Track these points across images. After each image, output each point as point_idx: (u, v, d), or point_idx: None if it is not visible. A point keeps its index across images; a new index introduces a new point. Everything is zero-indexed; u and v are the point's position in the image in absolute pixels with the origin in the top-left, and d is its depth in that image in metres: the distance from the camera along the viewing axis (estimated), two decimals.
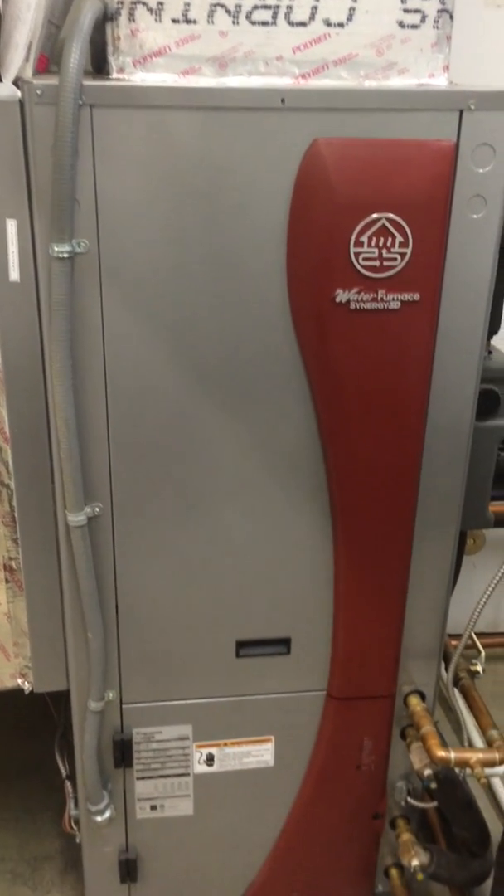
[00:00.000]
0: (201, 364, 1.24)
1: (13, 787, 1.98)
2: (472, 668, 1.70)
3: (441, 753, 1.40)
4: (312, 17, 1.13)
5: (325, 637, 1.45)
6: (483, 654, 1.73)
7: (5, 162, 1.13)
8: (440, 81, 1.19)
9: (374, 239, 1.16)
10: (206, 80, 1.14)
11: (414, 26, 1.15)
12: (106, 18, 1.10)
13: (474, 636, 1.81)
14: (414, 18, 1.15)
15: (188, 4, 1.10)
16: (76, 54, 1.05)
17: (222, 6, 1.11)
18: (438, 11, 1.15)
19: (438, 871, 1.55)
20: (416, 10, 1.14)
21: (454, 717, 1.62)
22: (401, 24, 1.15)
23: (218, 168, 1.14)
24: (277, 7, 1.12)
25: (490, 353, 1.42)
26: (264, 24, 1.12)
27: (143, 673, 1.43)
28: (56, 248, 1.12)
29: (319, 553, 1.38)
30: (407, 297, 1.20)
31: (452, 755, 1.40)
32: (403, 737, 1.54)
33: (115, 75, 1.13)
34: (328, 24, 1.13)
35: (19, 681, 1.47)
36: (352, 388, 1.26)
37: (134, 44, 1.12)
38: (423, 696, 1.52)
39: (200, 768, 1.51)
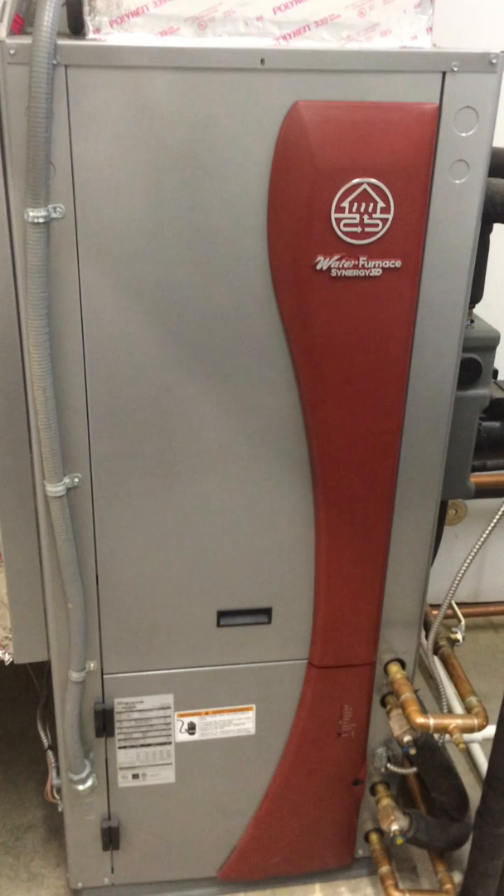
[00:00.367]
0: (181, 332, 1.23)
1: None
2: (452, 636, 1.71)
3: (420, 720, 1.41)
4: None
5: (307, 606, 1.45)
6: (463, 622, 1.75)
7: None
8: (423, 43, 1.16)
9: (355, 204, 1.15)
10: (185, 40, 1.11)
11: None
12: None
13: (455, 605, 1.82)
14: None
15: None
16: (50, 12, 1.02)
17: None
18: None
19: (417, 836, 1.57)
20: None
21: (435, 685, 1.64)
22: None
23: (196, 131, 1.11)
24: None
25: (472, 321, 1.41)
26: None
27: (123, 643, 1.43)
28: (31, 214, 1.10)
29: (300, 523, 1.38)
30: (388, 263, 1.19)
31: (431, 721, 1.41)
32: (384, 704, 1.55)
33: (91, 35, 1.10)
34: None
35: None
36: (333, 357, 1.25)
37: (111, 3, 1.09)
38: (403, 664, 1.53)
39: (182, 737, 1.52)
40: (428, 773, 1.59)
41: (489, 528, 1.39)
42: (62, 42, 1.05)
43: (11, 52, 1.04)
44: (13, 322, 1.21)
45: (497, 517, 1.42)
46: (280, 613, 1.45)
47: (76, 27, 1.15)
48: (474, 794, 1.61)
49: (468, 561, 1.43)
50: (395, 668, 1.51)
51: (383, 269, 1.20)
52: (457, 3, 1.74)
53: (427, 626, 1.66)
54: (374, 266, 1.19)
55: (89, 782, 1.51)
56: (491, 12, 1.84)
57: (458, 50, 1.13)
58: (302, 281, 1.19)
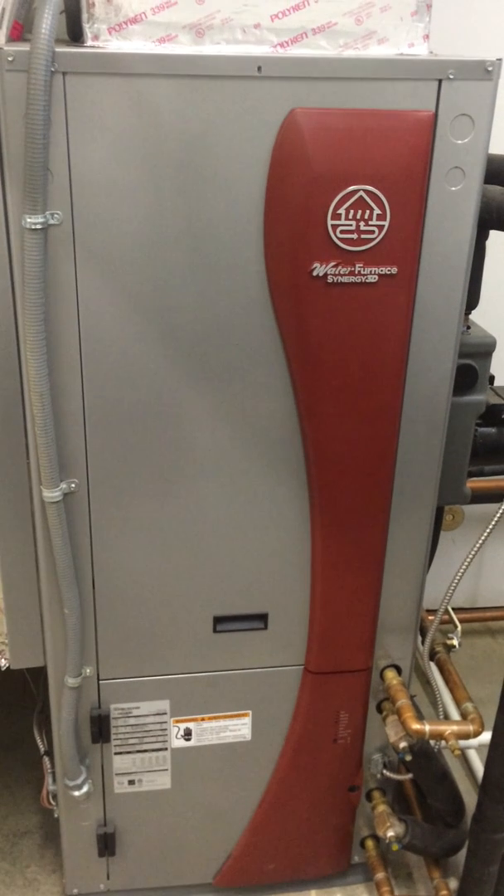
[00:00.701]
0: (177, 337, 1.23)
1: None
2: (449, 642, 1.72)
3: (416, 726, 1.41)
4: None
5: (303, 612, 1.45)
6: (459, 628, 1.75)
7: None
8: (420, 51, 1.17)
9: (351, 211, 1.15)
10: (183, 48, 1.11)
11: None
12: None
13: (451, 611, 1.83)
14: None
15: None
16: (48, 19, 1.03)
17: None
18: None
19: (413, 842, 1.57)
20: None
21: (432, 691, 1.64)
22: None
23: (194, 138, 1.12)
24: None
25: (468, 328, 1.42)
26: None
27: (120, 649, 1.43)
28: (29, 220, 1.10)
29: (296, 528, 1.38)
30: (384, 270, 1.20)
31: (427, 728, 1.41)
32: (379, 710, 1.55)
33: (89, 43, 1.11)
34: None
35: None
36: (329, 363, 1.25)
37: (109, 10, 1.10)
38: (399, 670, 1.53)
39: (178, 743, 1.52)
40: (424, 780, 1.59)
41: (485, 533, 1.39)
42: (60, 49, 1.05)
43: (10, 58, 1.04)
44: (10, 328, 1.21)
45: (493, 522, 1.42)
46: (276, 619, 1.45)
47: (75, 34, 1.16)
48: (470, 800, 1.61)
49: (464, 566, 1.44)
50: (391, 675, 1.51)
51: (379, 275, 1.20)
52: (453, 11, 1.75)
53: (423, 632, 1.66)
54: (371, 273, 1.19)
55: (85, 788, 1.50)
56: (487, 20, 1.85)
57: (455, 58, 1.13)
58: (298, 287, 1.19)
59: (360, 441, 1.32)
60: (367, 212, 1.16)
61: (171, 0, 1.10)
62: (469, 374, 1.40)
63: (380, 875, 1.64)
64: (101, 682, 1.45)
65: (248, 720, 1.53)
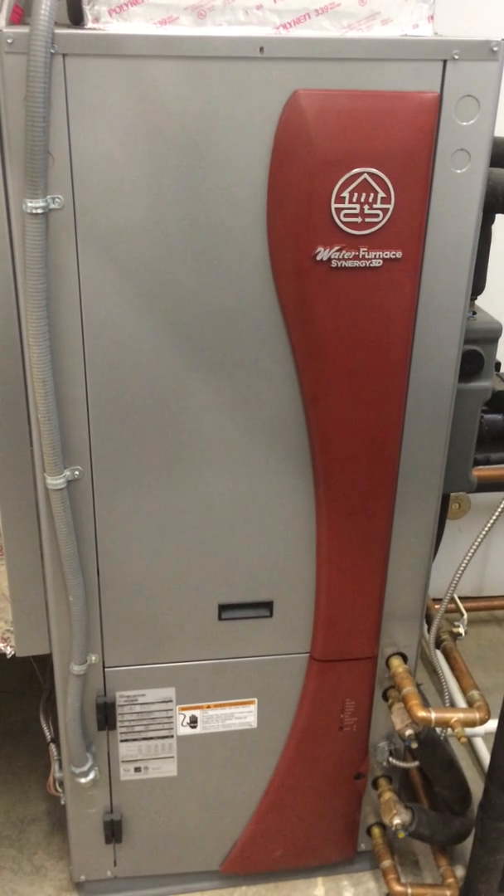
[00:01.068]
0: (181, 323, 1.22)
1: None
2: (455, 629, 1.71)
3: (422, 713, 1.41)
4: None
5: (308, 600, 1.45)
6: (465, 616, 1.74)
7: None
8: (425, 32, 1.16)
9: (355, 194, 1.14)
10: (185, 29, 1.10)
11: None
12: None
13: (457, 599, 1.82)
14: None
15: None
16: (48, 1, 1.01)
17: None
18: None
19: (420, 830, 1.57)
20: None
21: (438, 679, 1.63)
22: None
23: (195, 120, 1.11)
24: None
25: (474, 313, 1.40)
26: None
27: (125, 636, 1.43)
28: (30, 204, 1.09)
29: (301, 516, 1.38)
30: (389, 254, 1.18)
31: (433, 715, 1.41)
32: (385, 698, 1.55)
33: (90, 25, 1.10)
34: None
35: (1, 645, 1.46)
36: (333, 349, 1.24)
37: None
38: (405, 658, 1.53)
39: (184, 730, 1.52)
40: (430, 767, 1.59)
41: (491, 521, 1.39)
42: (60, 31, 1.04)
43: (9, 41, 1.04)
44: (12, 314, 1.21)
45: (499, 510, 1.41)
46: (281, 607, 1.45)
47: (75, 17, 1.14)
48: (476, 788, 1.60)
49: (470, 554, 1.43)
50: (396, 662, 1.51)
51: (384, 259, 1.19)
52: None
53: (429, 620, 1.66)
54: (375, 257, 1.18)
55: (91, 775, 1.51)
56: (493, 0, 1.82)
57: (459, 38, 1.12)
58: (302, 272, 1.18)
59: (365, 428, 1.31)
60: (372, 195, 1.14)
61: None
62: (475, 360, 1.39)
63: (386, 863, 1.64)
64: (106, 669, 1.45)
65: (253, 708, 1.53)
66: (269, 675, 1.50)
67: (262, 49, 1.08)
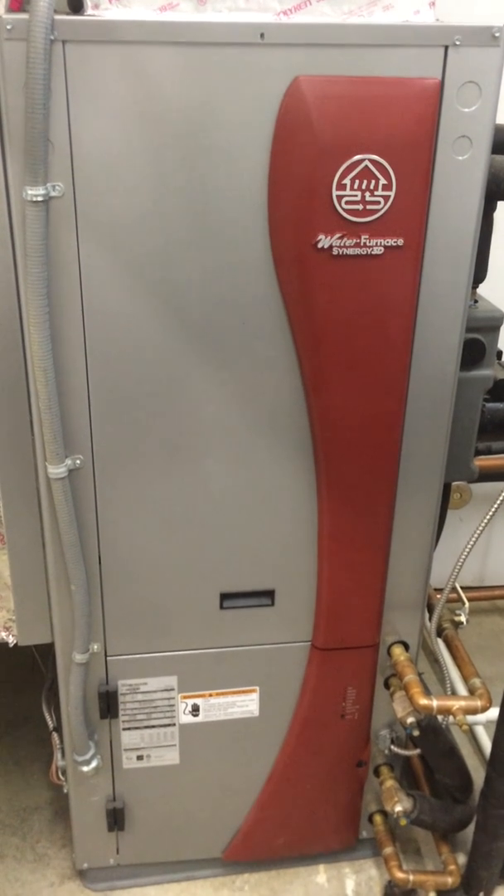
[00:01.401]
0: (181, 311, 1.22)
1: (2, 740, 2.00)
2: (456, 618, 1.71)
3: (423, 701, 1.41)
4: None
5: (310, 588, 1.45)
6: (467, 605, 1.75)
7: None
8: (426, 17, 1.15)
9: (356, 181, 1.13)
10: (185, 15, 1.10)
11: None
12: None
13: (458, 588, 1.82)
14: None
15: None
16: None
17: None
18: None
19: (421, 817, 1.58)
20: None
21: (439, 669, 1.64)
22: None
23: (196, 107, 1.10)
24: None
25: (475, 301, 1.40)
26: None
27: (127, 625, 1.43)
28: (30, 192, 1.09)
29: (303, 504, 1.38)
30: (390, 242, 1.18)
31: (435, 703, 1.41)
32: (387, 686, 1.55)
33: (89, 12, 1.09)
34: None
35: (3, 634, 1.47)
36: (334, 337, 1.24)
37: None
38: (406, 647, 1.53)
39: (186, 719, 1.53)
40: (431, 755, 1.59)
41: (492, 510, 1.39)
42: (60, 17, 1.04)
43: (8, 27, 1.03)
44: (13, 303, 1.21)
45: (500, 500, 1.41)
46: (283, 596, 1.45)
47: (75, 6, 1.14)
48: (478, 776, 1.61)
49: (471, 543, 1.43)
50: (398, 651, 1.51)
51: (385, 247, 1.18)
52: None
53: (431, 609, 1.66)
54: (376, 244, 1.18)
55: (94, 763, 1.51)
56: None
57: (461, 24, 1.11)
58: (303, 260, 1.18)
59: (367, 416, 1.31)
60: (373, 182, 1.14)
61: None
62: (476, 348, 1.38)
63: (388, 850, 1.64)
64: (108, 658, 1.45)
65: (255, 696, 1.53)
66: (270, 664, 1.51)
67: (262, 35, 1.07)
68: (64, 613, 1.40)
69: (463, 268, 1.25)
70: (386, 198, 1.15)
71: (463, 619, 1.71)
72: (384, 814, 1.68)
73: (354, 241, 1.17)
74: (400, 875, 1.60)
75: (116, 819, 1.59)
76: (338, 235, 1.16)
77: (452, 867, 1.61)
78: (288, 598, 1.45)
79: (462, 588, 2.00)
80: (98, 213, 1.14)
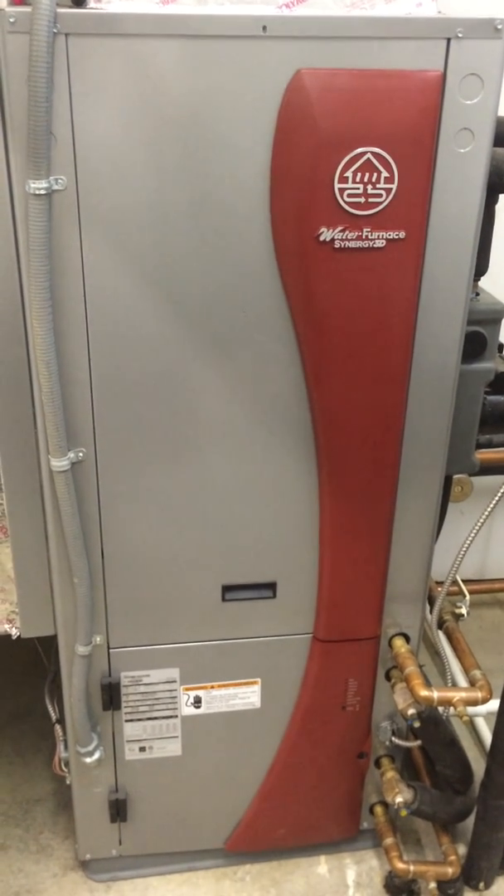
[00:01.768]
0: (184, 304, 1.22)
1: (5, 732, 2.01)
2: (457, 610, 1.72)
3: (424, 693, 1.42)
4: None
5: (311, 581, 1.45)
6: (468, 597, 1.75)
7: None
8: (428, 10, 1.15)
9: (358, 174, 1.13)
10: (188, 8, 1.10)
11: None
12: None
13: (459, 580, 1.83)
14: None
15: None
16: None
17: None
18: None
19: (422, 808, 1.58)
20: None
21: (440, 661, 1.64)
22: None
23: (198, 101, 1.10)
24: None
25: (477, 294, 1.40)
26: None
27: (129, 617, 1.44)
28: (33, 185, 1.09)
29: (305, 497, 1.38)
30: (392, 234, 1.18)
31: (435, 694, 1.42)
32: (388, 678, 1.56)
33: (92, 4, 1.09)
34: None
35: (6, 626, 1.47)
36: (336, 330, 1.24)
37: None
38: (407, 639, 1.54)
39: (188, 710, 1.53)
40: (432, 747, 1.60)
41: (493, 503, 1.39)
42: (62, 10, 1.04)
43: (11, 20, 1.03)
44: (16, 295, 1.21)
45: (501, 493, 1.42)
46: (284, 588, 1.45)
47: None
48: (479, 767, 1.62)
49: (472, 535, 1.44)
50: (399, 643, 1.52)
51: (387, 240, 1.19)
52: None
53: (431, 602, 1.66)
54: (378, 237, 1.18)
55: (96, 755, 1.52)
56: None
57: (463, 16, 1.11)
58: (305, 253, 1.18)
59: (368, 409, 1.31)
60: (375, 175, 1.14)
61: None
62: (478, 341, 1.39)
63: (388, 841, 1.65)
64: (111, 650, 1.46)
65: (257, 688, 1.54)
66: (272, 656, 1.51)
67: (264, 28, 1.07)
68: (66, 606, 1.40)
69: (464, 260, 1.25)
70: (388, 191, 1.15)
71: (464, 611, 1.72)
72: (385, 805, 1.69)
73: (356, 233, 1.17)
74: (400, 865, 1.61)
75: (119, 810, 1.60)
76: (339, 228, 1.17)
77: (453, 858, 1.62)
78: (289, 590, 1.46)
79: (463, 581, 2.00)
80: (100, 206, 1.15)
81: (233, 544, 1.41)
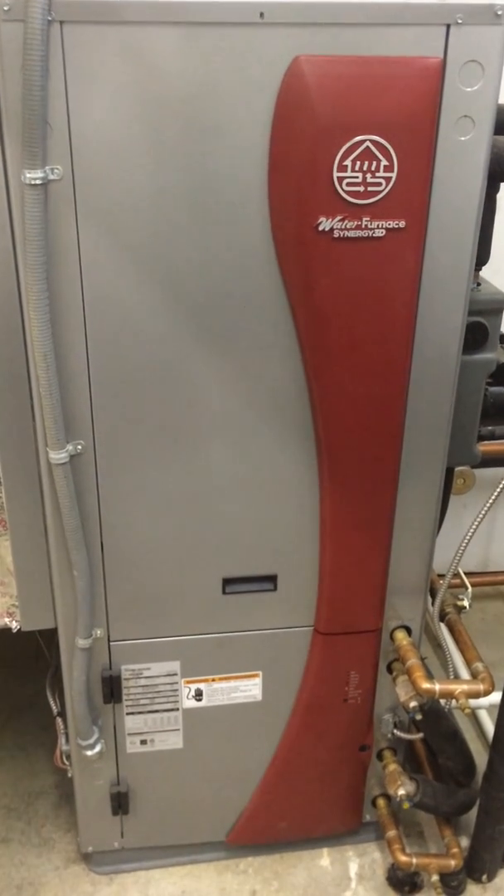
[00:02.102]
0: (182, 295, 1.21)
1: (7, 725, 2.01)
2: (459, 603, 1.71)
3: (426, 685, 1.41)
4: None
5: (312, 573, 1.45)
6: (470, 589, 1.74)
7: None
8: None
9: (357, 163, 1.12)
10: None
11: None
12: None
13: (461, 572, 1.82)
14: None
15: None
16: None
17: None
18: None
19: (424, 800, 1.58)
20: None
21: (442, 653, 1.64)
22: None
23: (195, 89, 1.09)
24: None
25: (478, 284, 1.39)
26: None
27: (130, 610, 1.43)
28: (28, 175, 1.08)
29: (305, 489, 1.38)
30: (392, 224, 1.17)
31: (437, 687, 1.41)
32: (390, 670, 1.55)
33: None
34: None
35: (6, 619, 1.47)
36: (336, 321, 1.23)
37: None
38: (409, 631, 1.53)
39: (189, 703, 1.53)
40: (434, 739, 1.60)
41: (494, 495, 1.38)
42: None
43: (6, 7, 1.02)
44: (13, 287, 1.20)
45: (503, 484, 1.41)
46: (285, 580, 1.45)
47: None
48: (481, 759, 1.61)
49: (474, 528, 1.43)
50: (401, 635, 1.51)
51: (387, 229, 1.17)
52: None
53: (433, 595, 1.66)
54: (378, 226, 1.17)
55: (98, 748, 1.52)
56: None
57: (463, 2, 1.09)
58: (304, 242, 1.17)
59: (369, 400, 1.30)
60: (374, 163, 1.13)
61: None
62: (479, 331, 1.38)
63: (391, 833, 1.65)
64: (111, 643, 1.46)
65: (258, 681, 1.53)
66: (273, 649, 1.51)
67: (262, 14, 1.06)
68: (66, 599, 1.40)
69: (465, 250, 1.24)
70: (387, 179, 1.14)
71: (466, 603, 1.71)
72: (387, 797, 1.69)
73: (355, 223, 1.16)
74: (403, 858, 1.61)
75: (120, 803, 1.60)
76: (339, 217, 1.15)
77: (455, 850, 1.62)
78: (290, 582, 1.45)
79: (465, 573, 2.00)
80: (97, 196, 1.14)
81: (233, 537, 1.40)
